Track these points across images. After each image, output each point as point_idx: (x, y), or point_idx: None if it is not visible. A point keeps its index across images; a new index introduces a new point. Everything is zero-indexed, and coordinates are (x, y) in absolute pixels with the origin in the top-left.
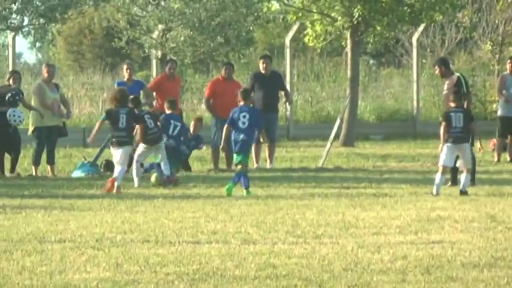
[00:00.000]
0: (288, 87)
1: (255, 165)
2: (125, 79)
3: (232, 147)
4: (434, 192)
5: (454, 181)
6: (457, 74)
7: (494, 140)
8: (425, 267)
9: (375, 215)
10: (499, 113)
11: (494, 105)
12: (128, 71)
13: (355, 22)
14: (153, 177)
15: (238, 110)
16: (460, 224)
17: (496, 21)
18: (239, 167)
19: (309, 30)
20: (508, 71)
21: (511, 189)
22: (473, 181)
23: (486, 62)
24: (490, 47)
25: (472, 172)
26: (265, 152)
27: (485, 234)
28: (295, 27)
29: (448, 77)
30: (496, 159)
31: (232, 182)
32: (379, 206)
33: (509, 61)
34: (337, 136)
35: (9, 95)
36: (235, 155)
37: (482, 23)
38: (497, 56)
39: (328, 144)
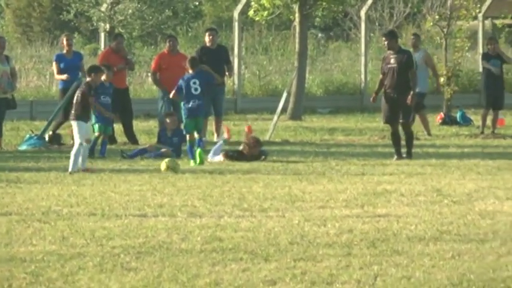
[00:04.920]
0: (236, 60)
1: (203, 139)
2: (64, 51)
3: (183, 114)
4: None
5: (399, 154)
6: (409, 51)
7: (442, 114)
8: (371, 240)
9: (321, 189)
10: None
11: (441, 79)
12: (68, 42)
13: None
14: (163, 164)
15: (186, 78)
16: (406, 198)
17: None
18: (196, 135)
19: (253, 4)
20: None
21: (457, 163)
22: (410, 154)
23: (434, 35)
24: (432, 23)
25: (409, 145)
26: (212, 125)
27: (431, 208)
28: (243, 1)
29: (395, 51)
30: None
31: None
32: (325, 180)
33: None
34: (284, 109)
35: None
36: (188, 121)
37: None
38: (445, 29)
39: (275, 117)
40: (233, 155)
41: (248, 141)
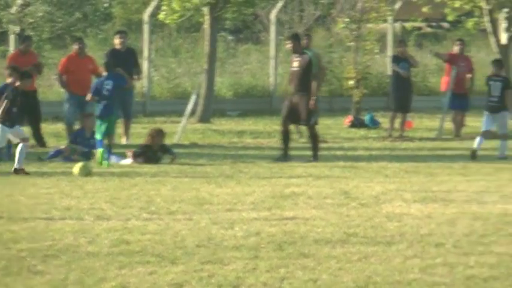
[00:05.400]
0: (145, 63)
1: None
2: None
3: (96, 116)
4: None
5: (285, 154)
6: (309, 54)
7: (350, 117)
8: (278, 243)
9: (229, 191)
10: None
11: (351, 82)
12: None
13: None
14: (76, 168)
15: (100, 80)
16: (314, 200)
17: None
18: (105, 141)
19: (164, 7)
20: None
21: (365, 165)
22: (316, 157)
23: (344, 38)
24: (343, 25)
25: (314, 148)
26: (121, 127)
27: (339, 211)
28: (153, 3)
29: (299, 54)
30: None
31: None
32: (233, 182)
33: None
34: (193, 112)
35: None
36: (100, 122)
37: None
38: (355, 32)
39: (184, 120)
40: (140, 152)
41: (150, 132)
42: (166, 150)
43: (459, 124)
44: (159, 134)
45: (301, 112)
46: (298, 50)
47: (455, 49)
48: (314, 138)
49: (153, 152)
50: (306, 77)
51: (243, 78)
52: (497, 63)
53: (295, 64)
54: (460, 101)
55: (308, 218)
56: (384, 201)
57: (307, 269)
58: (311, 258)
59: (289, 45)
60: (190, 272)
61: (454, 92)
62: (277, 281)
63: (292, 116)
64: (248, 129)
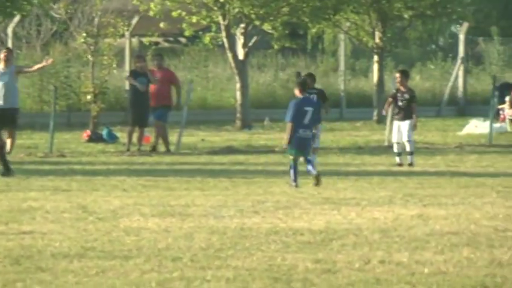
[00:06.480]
0: None
1: None
2: None
3: None
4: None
5: (10, 169)
6: None
7: (88, 131)
8: (15, 257)
9: None
10: None
11: (88, 97)
12: None
13: None
14: None
15: None
16: (52, 215)
17: (92, 13)
18: None
19: None
20: None
21: (103, 179)
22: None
23: (81, 53)
24: (83, 39)
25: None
26: None
27: (76, 225)
28: None
29: None
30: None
31: None
32: None
33: None
34: None
35: None
36: None
37: (78, 15)
38: (92, 47)
39: None
40: None
41: None
42: None
43: (162, 136)
44: None
45: None
46: None
47: (154, 63)
48: None
49: None
50: None
51: None
52: (311, 76)
53: None
54: (159, 113)
55: (45, 232)
56: (121, 215)
57: (44, 283)
58: (48, 272)
59: None
60: None
61: (153, 106)
62: None
63: None
64: None
